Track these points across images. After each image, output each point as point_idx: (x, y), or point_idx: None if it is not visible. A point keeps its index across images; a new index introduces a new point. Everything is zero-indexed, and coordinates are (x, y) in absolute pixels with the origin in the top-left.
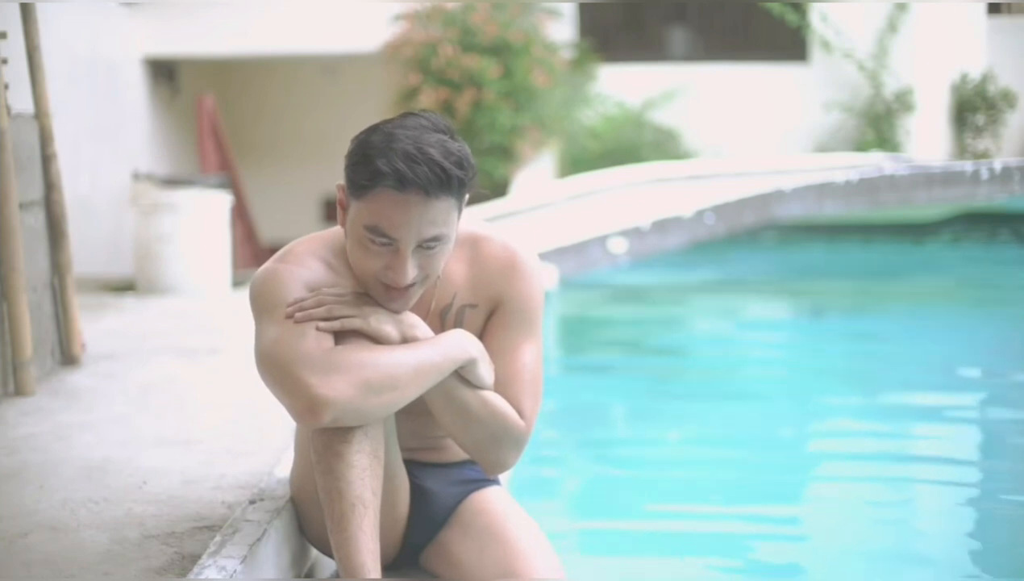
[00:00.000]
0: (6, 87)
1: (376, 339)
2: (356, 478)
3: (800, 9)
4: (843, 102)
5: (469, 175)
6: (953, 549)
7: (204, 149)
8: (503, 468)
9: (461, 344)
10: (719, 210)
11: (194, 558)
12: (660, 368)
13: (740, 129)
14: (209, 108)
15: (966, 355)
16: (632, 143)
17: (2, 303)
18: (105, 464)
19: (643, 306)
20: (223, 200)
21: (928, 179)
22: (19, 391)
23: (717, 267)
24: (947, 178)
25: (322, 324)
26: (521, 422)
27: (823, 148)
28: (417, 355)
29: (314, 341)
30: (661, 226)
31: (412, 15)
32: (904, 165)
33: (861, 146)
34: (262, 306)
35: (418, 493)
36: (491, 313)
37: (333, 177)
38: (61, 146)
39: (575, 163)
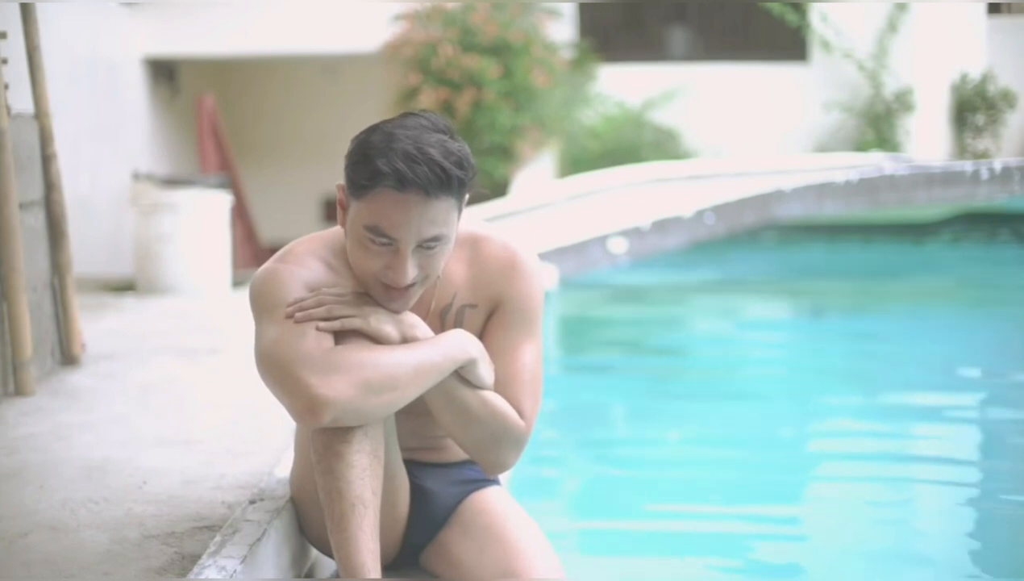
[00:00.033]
0: (6, 87)
1: (376, 339)
2: (356, 478)
3: (800, 9)
4: (843, 102)
5: (469, 175)
6: (953, 549)
7: (204, 149)
8: (503, 468)
9: (461, 344)
10: (719, 210)
11: (194, 558)
12: (660, 368)
13: (740, 129)
14: (209, 108)
15: (966, 355)
16: (632, 143)
17: (2, 303)
18: (105, 464)
19: (643, 306)
20: (223, 200)
21: (928, 179)
22: (19, 391)
23: (717, 267)
24: (947, 178)
25: (322, 324)
26: (521, 422)
27: (823, 148)
28: (417, 355)
29: (314, 341)
30: (661, 226)
31: (412, 15)
32: (904, 165)
33: (861, 146)
34: (262, 306)
35: (418, 493)
36: (491, 313)
37: (333, 177)
38: (61, 146)
39: (575, 163)
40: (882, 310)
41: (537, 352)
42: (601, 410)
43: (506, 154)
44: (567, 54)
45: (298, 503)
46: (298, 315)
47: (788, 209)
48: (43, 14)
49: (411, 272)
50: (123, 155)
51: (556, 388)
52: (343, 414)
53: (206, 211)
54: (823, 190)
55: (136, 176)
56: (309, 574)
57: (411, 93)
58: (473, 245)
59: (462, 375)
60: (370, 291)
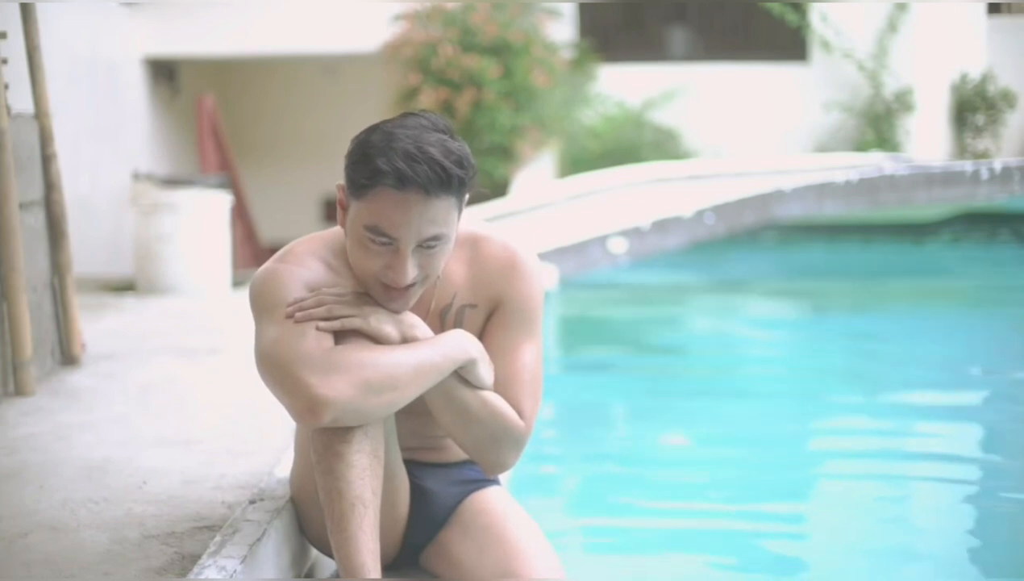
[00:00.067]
0: (6, 87)
1: (376, 339)
2: (356, 478)
3: (800, 9)
4: (843, 102)
5: (469, 174)
6: (953, 547)
7: (204, 149)
8: (503, 468)
9: (461, 344)
10: (719, 210)
11: (194, 558)
12: (660, 368)
13: (740, 129)
14: (209, 108)
15: (966, 355)
16: (632, 143)
17: (2, 303)
18: (105, 464)
19: (643, 306)
20: (223, 200)
21: (928, 179)
22: (19, 391)
23: (717, 267)
24: (947, 178)
25: (322, 324)
26: (521, 422)
27: (823, 148)
28: (417, 355)
29: (314, 341)
30: (661, 226)
31: (412, 15)
32: (904, 165)
33: (861, 146)
34: (262, 306)
35: (418, 493)
36: (491, 313)
37: (333, 177)
38: (61, 146)
39: (575, 163)
40: (882, 310)
41: (537, 352)
42: (601, 410)
43: (506, 154)
44: (567, 54)
45: (298, 503)
46: (298, 315)
47: (788, 209)
48: (43, 14)
49: (411, 272)
50: (123, 155)
51: (556, 388)
52: (343, 414)
53: (206, 211)
54: (823, 190)
55: (136, 176)
56: (309, 574)
57: (411, 93)
58: (473, 245)
59: (462, 375)
60: (370, 291)
